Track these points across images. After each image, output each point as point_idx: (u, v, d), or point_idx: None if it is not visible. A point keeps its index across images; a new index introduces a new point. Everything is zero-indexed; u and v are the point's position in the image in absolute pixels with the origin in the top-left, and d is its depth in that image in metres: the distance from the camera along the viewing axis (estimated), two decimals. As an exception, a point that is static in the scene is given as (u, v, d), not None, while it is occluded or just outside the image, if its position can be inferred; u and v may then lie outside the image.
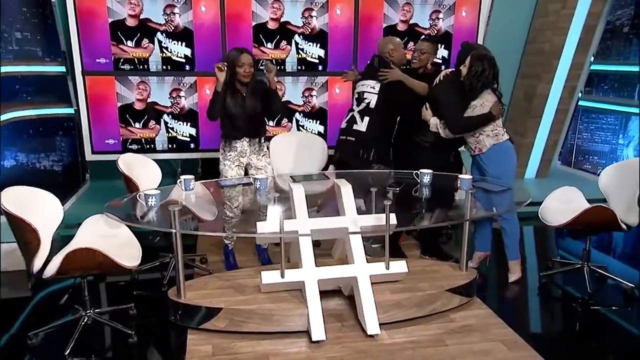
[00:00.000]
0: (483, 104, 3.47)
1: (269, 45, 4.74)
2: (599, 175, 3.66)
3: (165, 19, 4.52)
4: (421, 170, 3.45)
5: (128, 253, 2.82)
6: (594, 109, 6.24)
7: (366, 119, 3.93)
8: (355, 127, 3.96)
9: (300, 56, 4.82)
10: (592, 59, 5.87)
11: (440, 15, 4.96)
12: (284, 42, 4.76)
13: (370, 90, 3.94)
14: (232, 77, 3.57)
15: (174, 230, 2.78)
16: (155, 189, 3.16)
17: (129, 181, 3.33)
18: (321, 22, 4.78)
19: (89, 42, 4.45)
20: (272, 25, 4.72)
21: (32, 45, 4.75)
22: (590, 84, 6.21)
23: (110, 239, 2.94)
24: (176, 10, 4.52)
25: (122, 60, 4.54)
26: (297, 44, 4.79)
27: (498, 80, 3.54)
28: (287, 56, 4.80)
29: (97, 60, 4.50)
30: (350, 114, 4.03)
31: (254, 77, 3.65)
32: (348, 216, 3.15)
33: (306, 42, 4.80)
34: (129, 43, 4.52)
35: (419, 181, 3.47)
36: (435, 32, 4.98)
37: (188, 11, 4.55)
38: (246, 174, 3.77)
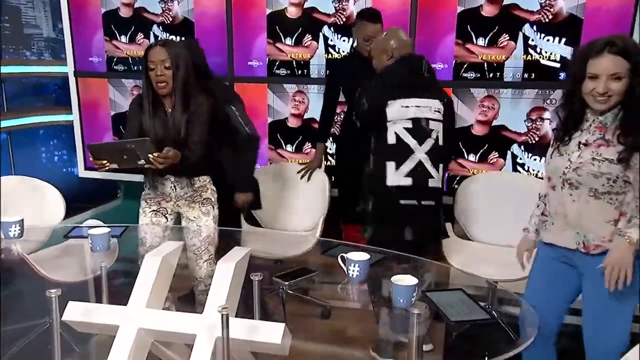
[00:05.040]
0: None
1: (288, 40, 3.40)
2: None
3: (162, 8, 3.58)
4: (348, 256, 1.76)
5: None
6: None
7: (441, 166, 2.47)
8: (431, 182, 2.42)
9: (330, 56, 3.36)
10: None
11: (560, -10, 2.96)
12: (308, 37, 3.37)
13: (435, 115, 2.42)
14: (148, 81, 2.32)
15: None
16: None
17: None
18: (361, 7, 3.25)
19: (82, 37, 3.76)
20: (292, 13, 3.38)
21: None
22: None
23: None
24: (174, -5, 3.55)
25: (115, 59, 3.74)
26: (326, 38, 3.34)
27: None
28: (312, 56, 3.39)
29: (90, 59, 3.78)
30: (412, 156, 2.40)
31: (188, 83, 2.31)
32: (207, 315, 1.65)
33: (339, 36, 3.32)
34: (123, 38, 3.69)
35: (346, 272, 1.77)
36: (549, 17, 2.98)
37: (188, -3, 3.53)
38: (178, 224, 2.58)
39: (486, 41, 3.08)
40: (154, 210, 2.51)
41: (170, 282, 1.96)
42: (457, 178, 3.24)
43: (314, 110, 3.42)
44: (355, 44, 3.10)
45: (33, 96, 4.72)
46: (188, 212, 2.51)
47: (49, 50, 4.71)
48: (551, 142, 1.90)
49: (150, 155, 2.09)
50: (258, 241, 3.11)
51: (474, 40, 3.10)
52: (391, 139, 2.37)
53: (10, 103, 4.12)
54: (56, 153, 4.98)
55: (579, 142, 1.76)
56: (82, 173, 3.97)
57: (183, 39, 3.55)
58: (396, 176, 2.38)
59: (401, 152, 2.38)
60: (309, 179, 3.18)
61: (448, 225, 2.77)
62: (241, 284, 1.70)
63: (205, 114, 2.34)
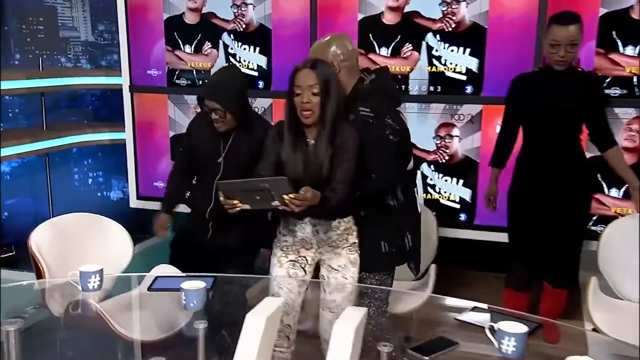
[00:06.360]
0: None
1: (383, 51, 2.90)
2: None
3: (234, 13, 3.11)
4: (501, 327, 1.45)
5: None
6: None
7: None
8: None
9: (434, 69, 2.85)
10: None
11: None
12: (408, 46, 2.86)
13: None
14: (292, 106, 1.88)
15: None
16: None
17: (36, 264, 2.06)
18: (475, 11, 2.75)
19: (139, 46, 3.30)
20: (390, 19, 2.88)
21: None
22: None
23: None
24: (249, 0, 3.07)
25: (177, 72, 3.27)
26: (430, 48, 2.83)
27: None
28: (412, 69, 2.88)
29: (149, 72, 3.32)
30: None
31: (337, 112, 1.88)
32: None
33: (446, 45, 2.81)
34: (187, 48, 3.22)
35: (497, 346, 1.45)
36: None
37: (265, 1, 3.05)
38: (316, 275, 2.10)
39: (637, 50, 2.54)
40: (291, 261, 2.03)
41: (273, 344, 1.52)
42: (595, 218, 2.67)
43: (413, 133, 2.88)
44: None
45: (68, 109, 4.27)
46: (332, 260, 2.02)
47: (86, 55, 4.28)
48: None
49: (285, 197, 1.64)
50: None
51: (621, 49, 2.56)
52: (410, 165, 2.17)
53: (48, 117, 3.69)
54: (90, 175, 4.51)
55: None
56: (134, 203, 3.47)
57: (254, 47, 3.08)
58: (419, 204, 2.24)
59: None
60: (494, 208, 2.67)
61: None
62: (359, 350, 1.39)
63: (352, 149, 1.88)
